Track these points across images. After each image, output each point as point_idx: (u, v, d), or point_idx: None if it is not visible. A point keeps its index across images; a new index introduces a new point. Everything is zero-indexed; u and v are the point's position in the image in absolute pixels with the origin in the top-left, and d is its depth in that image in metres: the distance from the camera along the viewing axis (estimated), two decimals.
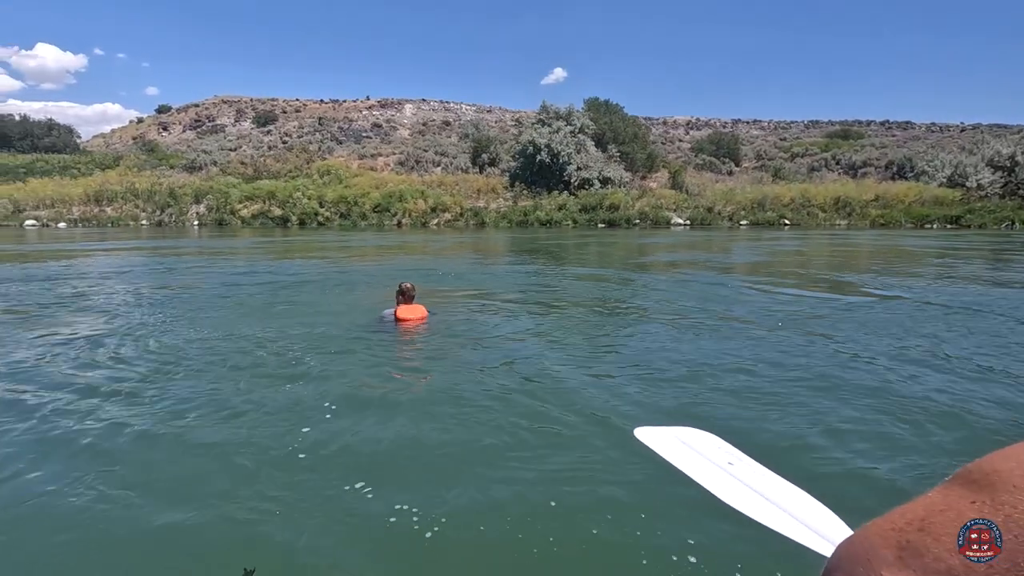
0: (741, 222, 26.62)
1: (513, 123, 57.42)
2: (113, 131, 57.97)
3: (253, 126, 52.30)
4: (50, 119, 41.83)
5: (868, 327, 5.39)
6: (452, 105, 62.01)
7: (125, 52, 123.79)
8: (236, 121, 54.69)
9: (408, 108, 57.92)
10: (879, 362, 4.25)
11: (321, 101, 59.13)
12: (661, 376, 3.95)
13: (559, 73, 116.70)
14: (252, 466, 2.65)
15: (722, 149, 37.10)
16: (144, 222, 26.70)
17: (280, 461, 2.70)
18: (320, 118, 51.03)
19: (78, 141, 44.55)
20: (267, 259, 13.31)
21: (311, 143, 43.03)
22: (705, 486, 1.55)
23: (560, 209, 27.32)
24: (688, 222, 26.64)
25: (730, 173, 35.01)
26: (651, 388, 3.72)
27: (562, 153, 28.97)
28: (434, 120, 55.16)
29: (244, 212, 27.29)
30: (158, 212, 26.99)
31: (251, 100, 58.89)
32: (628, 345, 4.92)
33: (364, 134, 47.63)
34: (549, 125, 30.60)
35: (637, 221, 26.42)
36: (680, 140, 52.15)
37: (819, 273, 10.08)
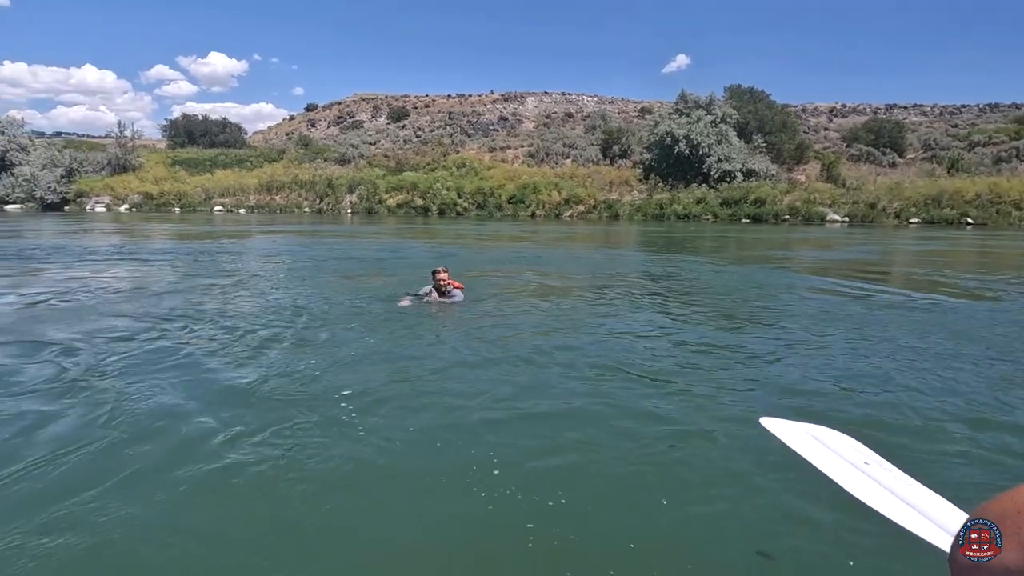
0: (911, 220, 23.83)
1: (636, 113, 56.02)
2: (269, 128, 64.71)
3: (388, 121, 55.80)
4: (224, 118, 47.47)
5: None
6: (573, 96, 61.82)
7: (278, 57, 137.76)
8: (373, 117, 58.64)
9: (530, 101, 58.63)
10: None
11: (448, 96, 61.55)
12: (787, 374, 3.81)
13: (681, 60, 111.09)
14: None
15: (882, 138, 33.35)
16: (306, 209, 29.58)
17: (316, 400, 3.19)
18: (450, 113, 53.22)
19: (244, 137, 50.29)
20: (401, 242, 15.08)
21: (443, 137, 45.05)
22: (837, 480, 1.45)
23: (699, 203, 26.22)
24: (846, 219, 24.35)
25: (892, 165, 31.43)
26: (777, 384, 3.59)
27: (702, 144, 27.71)
28: (556, 112, 55.34)
29: (390, 201, 29.26)
30: (318, 201, 29.74)
31: (386, 97, 62.75)
32: (753, 340, 4.76)
33: (491, 127, 48.97)
34: (688, 115, 29.40)
35: (787, 217, 24.63)
36: (825, 128, 47.78)
37: (1002, 280, 8.77)
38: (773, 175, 27.84)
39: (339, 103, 63.20)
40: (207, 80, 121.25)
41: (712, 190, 26.78)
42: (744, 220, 24.90)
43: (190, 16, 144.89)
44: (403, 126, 52.11)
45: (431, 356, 4.06)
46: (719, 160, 27.70)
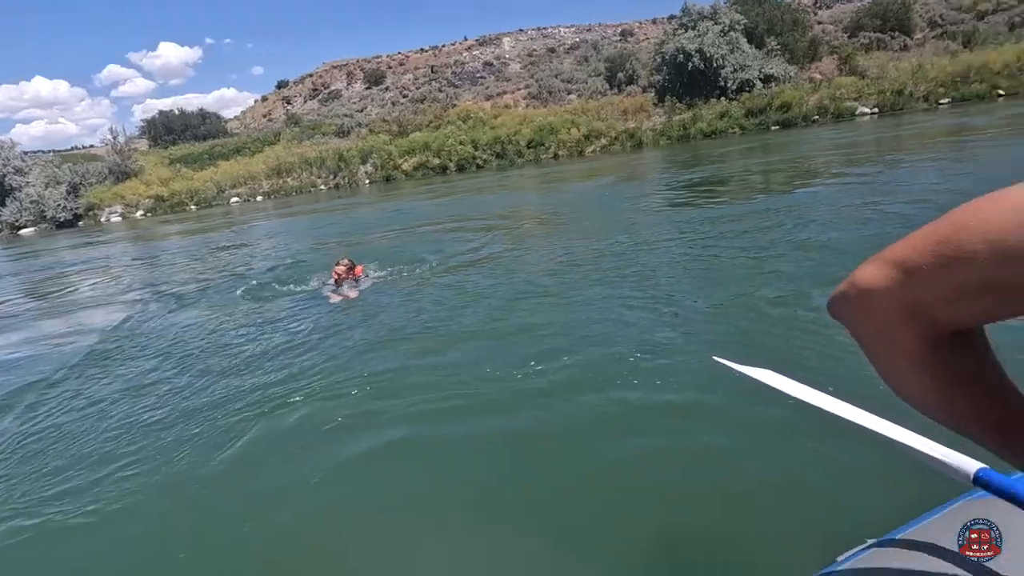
0: (940, 101, 23.53)
1: (618, 37, 54.16)
2: (244, 112, 62.10)
3: (366, 86, 53.63)
4: (201, 109, 45.57)
5: None
6: (549, 30, 59.51)
7: (231, 38, 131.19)
8: (348, 84, 56.30)
9: (506, 42, 56.43)
10: None
11: (421, 50, 58.97)
12: (733, 320, 3.84)
13: None
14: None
15: (888, 22, 32.49)
16: (323, 187, 28.76)
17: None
18: (431, 67, 51.18)
19: (224, 125, 48.34)
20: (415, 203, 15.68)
21: (431, 92, 43.50)
22: (806, 399, 1.26)
23: (722, 117, 25.66)
24: (875, 109, 24.01)
25: (904, 48, 30.75)
26: (725, 330, 3.69)
27: (715, 56, 26.88)
28: (536, 49, 53.37)
29: (405, 166, 28.44)
30: (331, 177, 28.89)
31: (358, 61, 60.05)
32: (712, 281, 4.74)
33: (478, 75, 47.27)
34: (694, 28, 28.38)
35: (816, 117, 24.23)
36: (818, 22, 46.46)
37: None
38: (792, 77, 27.20)
39: (310, 75, 60.48)
40: (162, 73, 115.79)
41: (733, 102, 26.19)
42: (773, 128, 24.49)
43: (134, 8, 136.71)
44: (386, 88, 50.21)
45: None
46: (735, 70, 26.96)
